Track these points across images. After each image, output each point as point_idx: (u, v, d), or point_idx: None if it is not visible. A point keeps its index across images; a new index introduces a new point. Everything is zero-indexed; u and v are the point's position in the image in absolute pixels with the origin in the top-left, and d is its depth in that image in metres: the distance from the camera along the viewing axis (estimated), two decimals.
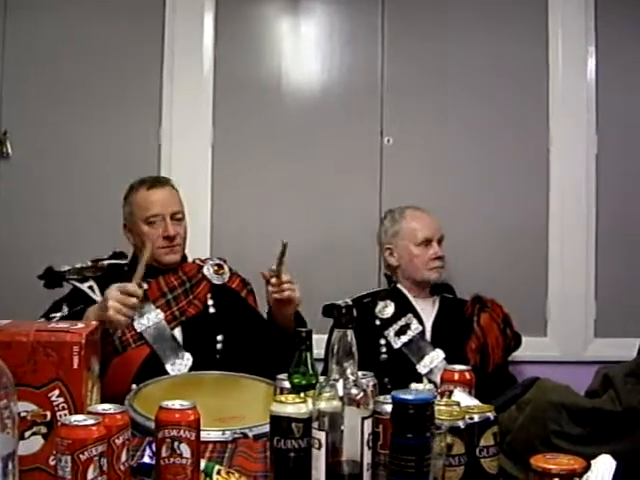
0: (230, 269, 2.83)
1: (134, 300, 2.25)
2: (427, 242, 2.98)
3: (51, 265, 2.64)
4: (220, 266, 2.80)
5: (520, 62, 3.39)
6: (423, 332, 2.88)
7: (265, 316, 2.72)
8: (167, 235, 2.64)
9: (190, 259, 2.82)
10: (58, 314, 2.49)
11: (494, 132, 3.39)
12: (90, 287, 2.60)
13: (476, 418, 1.41)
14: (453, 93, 3.39)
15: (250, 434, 1.84)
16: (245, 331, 2.67)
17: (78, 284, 2.61)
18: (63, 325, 1.44)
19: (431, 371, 2.78)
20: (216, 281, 2.75)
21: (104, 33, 3.35)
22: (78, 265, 2.64)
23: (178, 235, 2.67)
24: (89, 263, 2.66)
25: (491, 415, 1.43)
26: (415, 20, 3.39)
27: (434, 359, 2.80)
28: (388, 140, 3.35)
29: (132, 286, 2.28)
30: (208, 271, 2.76)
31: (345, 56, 3.40)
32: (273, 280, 2.46)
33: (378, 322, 2.90)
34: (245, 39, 3.40)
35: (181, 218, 2.70)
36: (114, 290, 2.25)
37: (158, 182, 2.73)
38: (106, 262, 2.69)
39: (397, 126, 3.37)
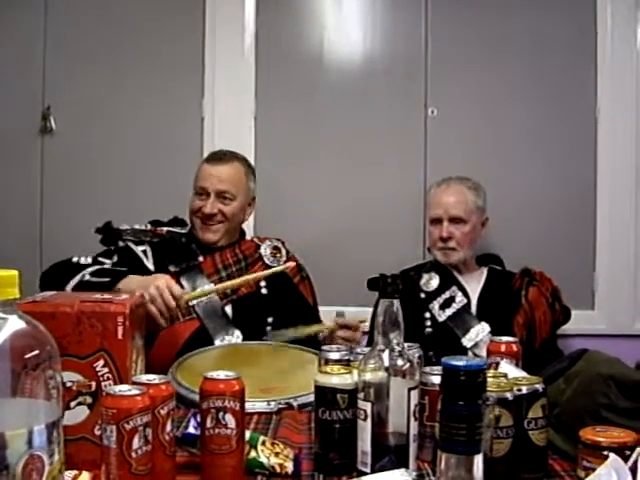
0: (287, 252, 2.78)
1: (172, 303, 2.19)
2: (437, 221, 2.90)
3: (110, 220, 2.65)
4: (277, 249, 2.75)
5: (567, 29, 3.31)
6: (469, 305, 2.83)
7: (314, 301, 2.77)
8: (202, 211, 2.63)
9: (248, 236, 2.81)
10: (107, 261, 2.53)
11: (540, 102, 3.32)
12: (144, 251, 2.61)
13: (524, 390, 1.38)
14: (498, 62, 3.33)
15: (295, 404, 1.85)
16: (291, 318, 2.59)
17: (133, 246, 2.61)
18: (107, 296, 1.45)
19: (476, 345, 2.73)
20: (271, 263, 2.70)
21: (145, 7, 3.35)
22: (137, 226, 2.64)
23: (219, 214, 2.64)
24: (148, 226, 2.66)
25: (539, 387, 1.40)
26: None
27: (479, 333, 2.75)
28: (432, 111, 3.31)
29: (179, 291, 2.24)
30: (265, 251, 2.72)
31: (388, 26, 3.35)
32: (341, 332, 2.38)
33: (423, 295, 2.86)
34: (287, 9, 3.38)
35: (230, 198, 2.65)
36: (162, 279, 2.24)
37: (218, 157, 2.72)
38: (165, 228, 2.67)
39: (441, 97, 3.32)
